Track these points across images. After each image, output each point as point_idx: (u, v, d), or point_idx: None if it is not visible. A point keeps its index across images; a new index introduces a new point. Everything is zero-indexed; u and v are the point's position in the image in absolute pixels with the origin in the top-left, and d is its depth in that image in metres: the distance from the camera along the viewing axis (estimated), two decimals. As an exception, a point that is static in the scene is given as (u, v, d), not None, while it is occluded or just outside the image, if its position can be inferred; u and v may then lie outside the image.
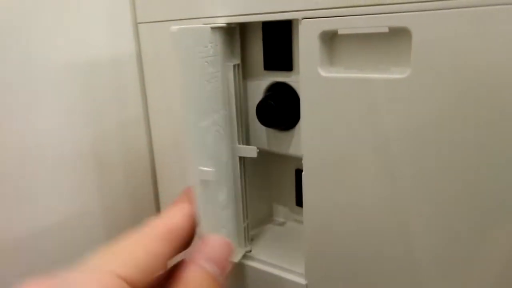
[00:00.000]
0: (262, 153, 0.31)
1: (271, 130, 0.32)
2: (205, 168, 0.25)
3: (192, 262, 0.21)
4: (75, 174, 0.33)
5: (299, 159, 0.28)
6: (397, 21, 0.22)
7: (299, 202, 0.36)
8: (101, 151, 0.35)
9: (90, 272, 0.19)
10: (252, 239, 0.36)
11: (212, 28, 0.27)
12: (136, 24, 0.34)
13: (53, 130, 0.31)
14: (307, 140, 0.27)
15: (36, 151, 0.30)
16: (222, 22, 0.28)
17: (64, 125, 0.32)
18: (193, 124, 0.25)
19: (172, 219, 0.23)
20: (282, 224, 0.39)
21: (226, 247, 0.23)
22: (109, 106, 0.35)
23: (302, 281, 0.31)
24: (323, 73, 0.25)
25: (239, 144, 0.31)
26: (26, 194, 0.30)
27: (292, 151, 0.31)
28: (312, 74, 0.25)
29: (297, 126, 0.30)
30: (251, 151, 0.31)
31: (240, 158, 0.31)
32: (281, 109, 0.29)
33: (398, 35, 0.22)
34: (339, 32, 0.24)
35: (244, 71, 0.32)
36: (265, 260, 0.33)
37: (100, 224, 0.36)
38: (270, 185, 0.39)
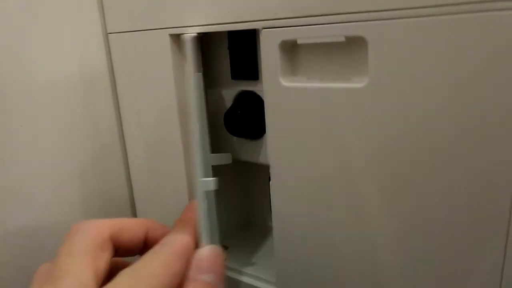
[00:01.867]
0: (235, 162, 0.31)
1: (240, 139, 0.32)
2: (207, 179, 0.26)
3: (191, 279, 0.22)
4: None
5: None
6: (353, 30, 0.22)
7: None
8: (76, 180, 0.34)
9: None
10: (227, 248, 0.36)
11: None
12: (106, 35, 0.34)
13: (22, 162, 0.30)
14: (272, 149, 0.27)
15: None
16: (190, 32, 0.28)
17: (35, 154, 0.31)
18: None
19: (186, 236, 0.24)
20: (257, 232, 0.39)
21: (217, 256, 0.24)
22: (81, 126, 0.34)
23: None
24: (284, 82, 0.25)
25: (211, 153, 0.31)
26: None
27: (262, 160, 0.31)
28: (274, 83, 0.25)
29: (265, 135, 0.30)
30: (226, 158, 0.30)
31: (213, 167, 0.31)
32: (248, 118, 0.29)
33: (355, 44, 0.22)
34: (298, 41, 0.24)
35: (212, 80, 0.32)
36: (238, 269, 0.33)
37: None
38: (245, 193, 0.39)
